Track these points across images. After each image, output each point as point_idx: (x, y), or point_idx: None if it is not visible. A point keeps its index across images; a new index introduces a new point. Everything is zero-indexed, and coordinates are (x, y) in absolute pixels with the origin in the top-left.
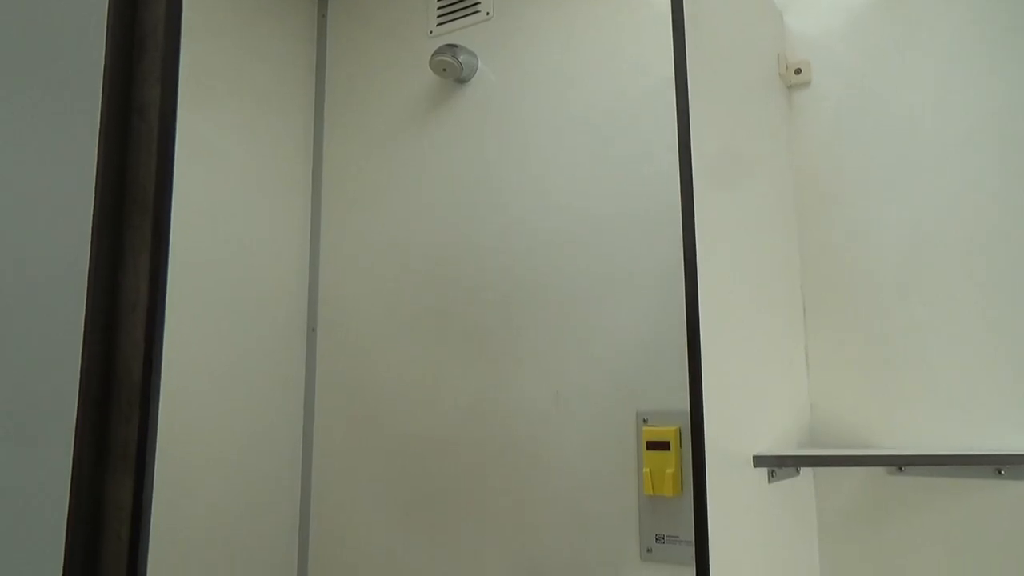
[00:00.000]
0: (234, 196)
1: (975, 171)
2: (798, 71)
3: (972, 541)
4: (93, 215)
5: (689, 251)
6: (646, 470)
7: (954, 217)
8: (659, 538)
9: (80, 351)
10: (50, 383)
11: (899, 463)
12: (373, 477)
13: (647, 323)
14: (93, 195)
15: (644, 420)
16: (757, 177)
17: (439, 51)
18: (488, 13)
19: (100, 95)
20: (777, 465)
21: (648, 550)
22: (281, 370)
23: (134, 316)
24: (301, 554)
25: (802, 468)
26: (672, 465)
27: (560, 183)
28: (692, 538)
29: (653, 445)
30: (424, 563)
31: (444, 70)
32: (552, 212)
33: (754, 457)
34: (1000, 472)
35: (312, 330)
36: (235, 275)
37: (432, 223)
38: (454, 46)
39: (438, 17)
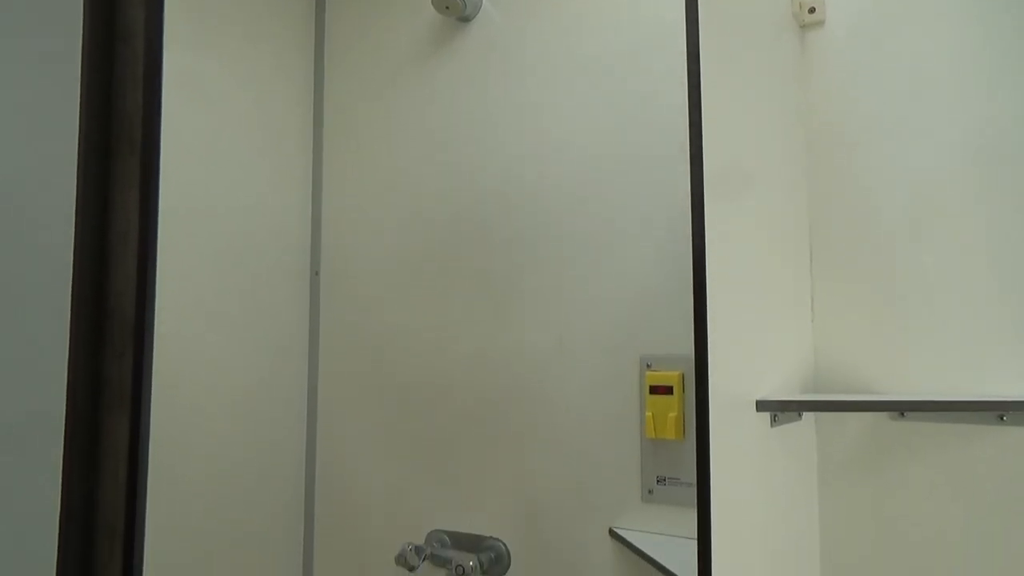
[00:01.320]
0: (233, 137)
1: (988, 115)
2: (812, 10)
3: (973, 487)
4: (79, 148)
5: (697, 193)
6: (648, 414)
7: (965, 162)
8: (660, 480)
9: (70, 287)
10: (40, 320)
11: (901, 408)
12: (378, 418)
13: (652, 268)
14: (78, 127)
15: (647, 365)
16: (768, 119)
17: None
18: None
19: (81, 20)
20: (780, 410)
21: (649, 492)
22: (284, 313)
23: (125, 250)
24: (308, 493)
25: (804, 413)
26: (674, 409)
27: (566, 125)
28: (693, 480)
29: (656, 390)
30: (428, 502)
31: (447, 8)
32: (558, 154)
33: (757, 402)
34: (1002, 418)
35: (315, 273)
36: (234, 217)
37: (435, 166)
38: None
39: None
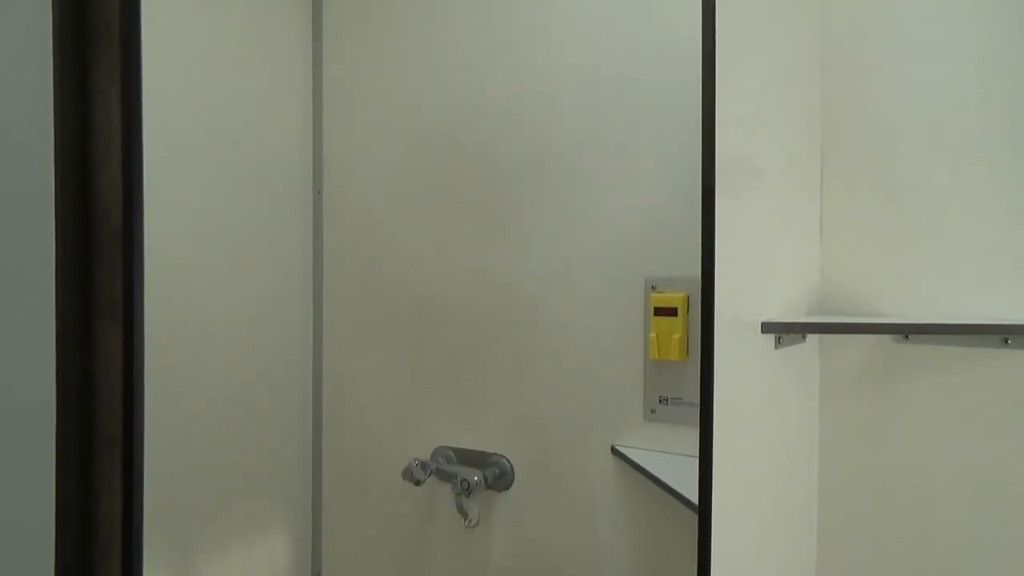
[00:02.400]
0: (230, 48)
1: (1001, 37)
2: None
3: (976, 410)
4: (53, 41)
5: (708, 111)
6: (653, 335)
7: (981, 82)
8: (663, 400)
9: (53, 196)
10: (24, 231)
11: (906, 331)
12: (384, 338)
13: (658, 190)
14: (51, 17)
15: (652, 287)
16: (783, 37)
17: None
18: None
19: None
20: (785, 332)
21: (652, 411)
22: (287, 233)
23: (109, 155)
24: (315, 410)
25: (808, 335)
26: (679, 331)
27: (574, 46)
28: (695, 400)
29: (661, 311)
30: (434, 420)
31: None
32: (565, 75)
33: (762, 323)
34: (1007, 342)
35: (318, 192)
36: (232, 132)
37: (440, 85)
38: None
39: None
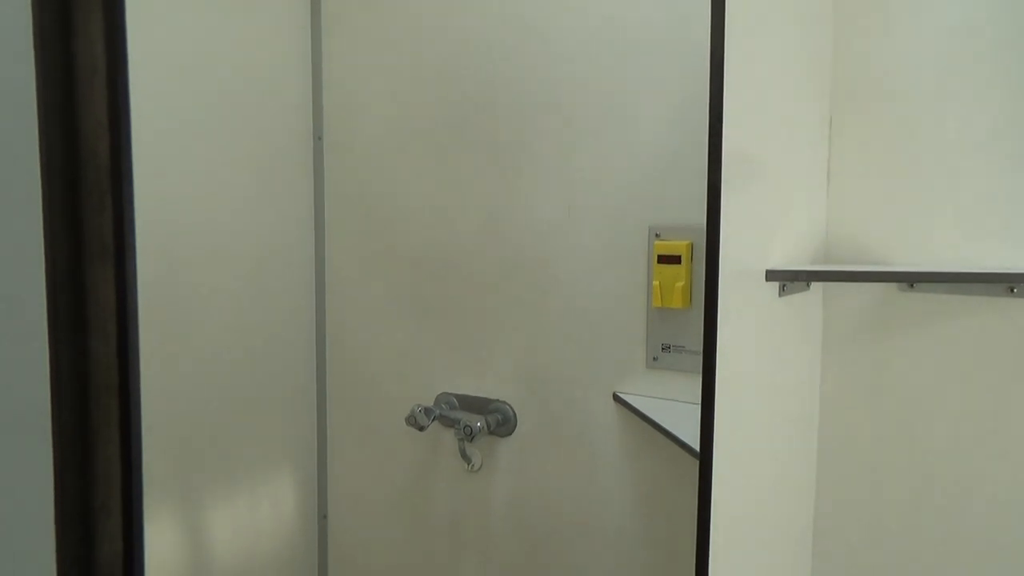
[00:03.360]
0: None
1: None
2: None
3: (979, 358)
4: None
5: (716, 52)
6: (656, 283)
7: (992, 30)
8: (665, 347)
9: (37, 136)
10: (7, 171)
11: (911, 280)
12: (386, 285)
13: (663, 137)
14: None
15: (656, 235)
16: None
17: None
18: None
19: None
20: (789, 280)
21: (654, 358)
22: (287, 178)
23: (93, 88)
24: (319, 357)
25: (812, 284)
26: (682, 279)
27: None
28: (697, 348)
29: (664, 259)
30: (437, 366)
31: None
32: (568, 19)
33: (767, 271)
34: (1012, 290)
35: (318, 139)
36: (232, 79)
37: (442, 30)
38: None
39: None
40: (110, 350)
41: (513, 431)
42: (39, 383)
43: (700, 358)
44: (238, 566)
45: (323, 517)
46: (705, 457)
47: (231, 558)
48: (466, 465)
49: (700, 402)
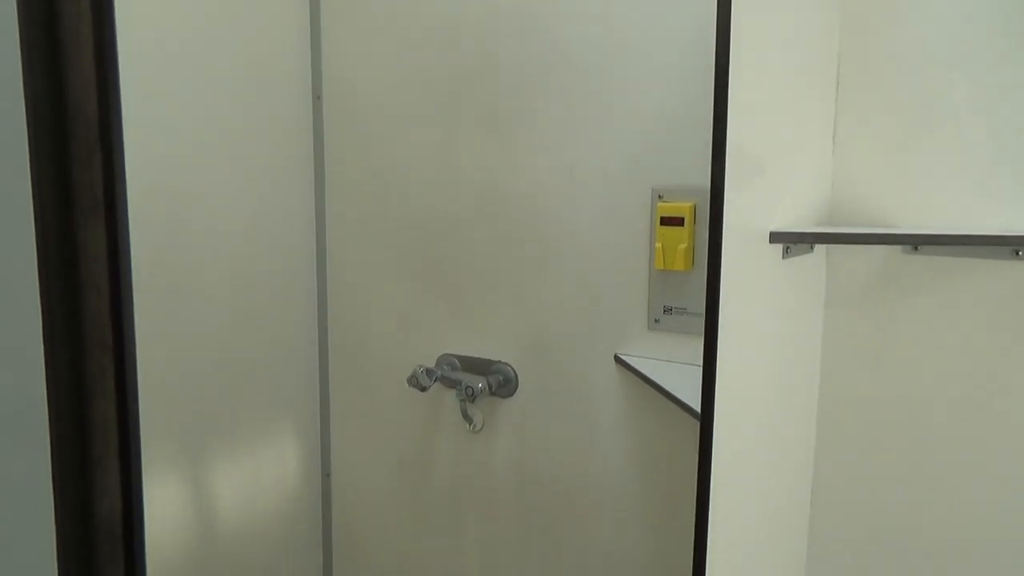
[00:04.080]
0: None
1: None
2: None
3: (983, 321)
4: None
5: (723, 9)
6: (658, 245)
7: None
8: (667, 310)
9: (23, 91)
10: None
11: (915, 242)
12: (387, 246)
13: (666, 98)
14: None
15: (659, 196)
16: None
17: None
18: None
19: None
20: (794, 242)
21: (656, 320)
22: (286, 138)
23: (78, 43)
24: (320, 318)
25: (816, 246)
26: (685, 240)
27: None
28: (699, 310)
29: (667, 221)
30: (438, 328)
31: None
32: None
33: (771, 233)
34: (1018, 253)
35: (317, 98)
36: (230, 40)
37: None
38: None
39: None
40: (103, 305)
41: (514, 392)
42: (33, 339)
43: (702, 320)
44: (243, 521)
45: (326, 475)
46: (706, 418)
47: (236, 514)
48: (467, 426)
49: (701, 363)
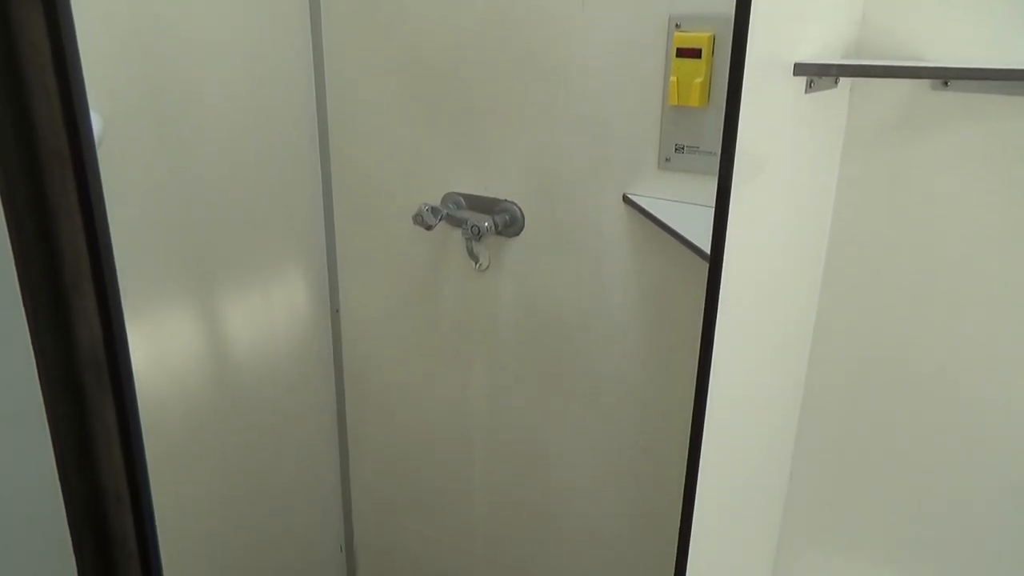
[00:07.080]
0: None
1: None
2: None
3: (1009, 165)
4: None
5: None
6: (673, 79)
7: None
8: (679, 148)
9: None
10: None
11: (947, 76)
12: (390, 84)
13: None
14: None
15: (676, 25)
16: None
17: None
18: None
19: None
20: (819, 74)
21: (667, 159)
22: None
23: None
24: (323, 154)
25: (841, 81)
26: (701, 74)
27: None
28: (713, 149)
29: (684, 52)
30: (444, 166)
31: None
32: None
33: (795, 64)
34: None
35: None
36: None
37: None
38: None
39: None
40: (54, 111)
41: (520, 231)
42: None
43: (715, 159)
44: (255, 354)
45: (336, 311)
46: (715, 257)
47: (247, 347)
48: (473, 264)
49: (713, 204)
